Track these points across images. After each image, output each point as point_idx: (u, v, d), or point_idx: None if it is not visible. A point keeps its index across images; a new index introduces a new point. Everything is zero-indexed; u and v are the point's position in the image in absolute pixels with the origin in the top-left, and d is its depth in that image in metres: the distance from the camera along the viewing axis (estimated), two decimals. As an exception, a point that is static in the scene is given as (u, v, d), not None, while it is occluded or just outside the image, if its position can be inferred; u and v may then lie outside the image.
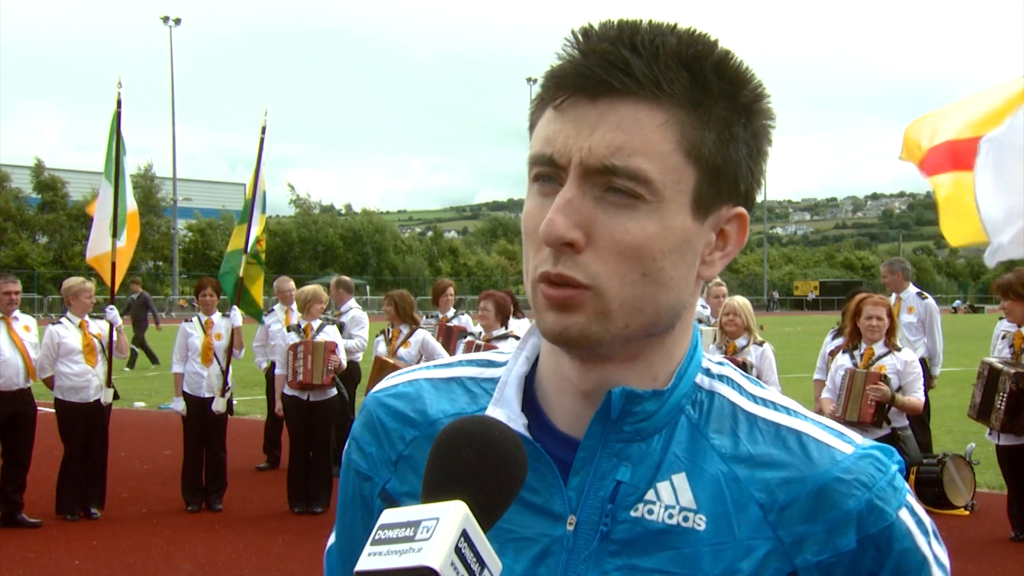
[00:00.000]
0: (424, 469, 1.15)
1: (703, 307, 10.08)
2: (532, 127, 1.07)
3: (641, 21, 1.04)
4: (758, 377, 7.14)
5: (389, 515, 0.90)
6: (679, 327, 1.10)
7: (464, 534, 0.86)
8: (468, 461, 0.93)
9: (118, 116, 9.24)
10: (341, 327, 9.70)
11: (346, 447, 1.25)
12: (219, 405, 8.94)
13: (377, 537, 0.88)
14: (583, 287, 1.02)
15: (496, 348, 7.72)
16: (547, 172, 1.04)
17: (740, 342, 7.59)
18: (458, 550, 0.85)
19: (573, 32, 1.04)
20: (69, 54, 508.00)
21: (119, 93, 9.24)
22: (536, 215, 1.04)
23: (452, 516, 0.87)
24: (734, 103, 1.04)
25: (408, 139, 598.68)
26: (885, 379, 6.92)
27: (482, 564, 0.87)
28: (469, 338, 8.43)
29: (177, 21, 56.78)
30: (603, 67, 1.00)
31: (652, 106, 1.00)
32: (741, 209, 1.08)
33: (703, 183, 1.03)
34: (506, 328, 8.27)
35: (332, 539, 1.29)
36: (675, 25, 1.05)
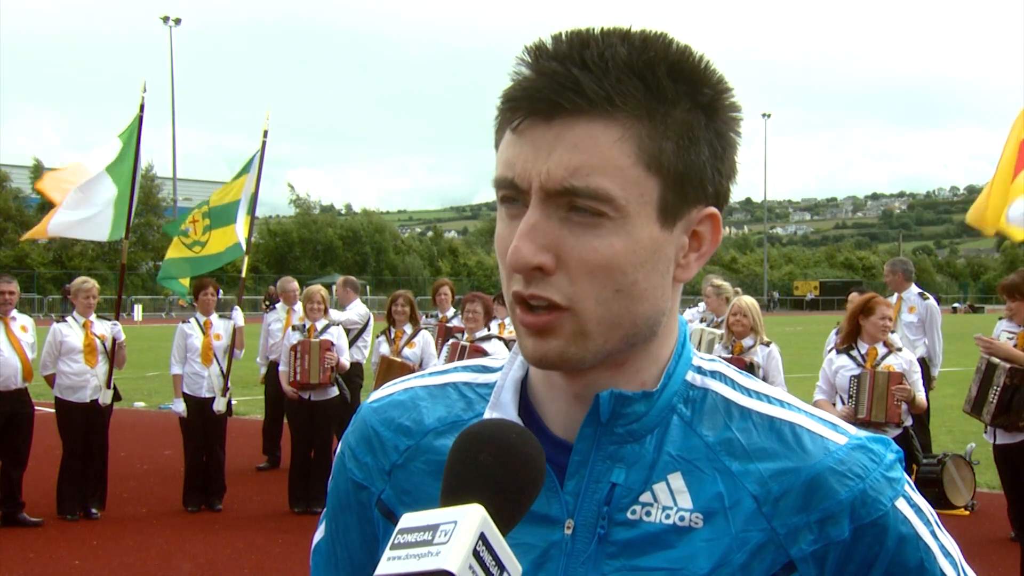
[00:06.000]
0: (418, 478, 1.15)
1: (701, 311, 10.11)
2: (497, 145, 1.06)
3: (592, 31, 1.02)
4: (764, 378, 7.16)
5: (408, 519, 0.90)
6: (662, 332, 1.09)
7: (482, 537, 0.86)
8: (486, 465, 0.93)
9: (140, 120, 9.10)
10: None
11: (339, 454, 1.24)
12: (220, 405, 8.94)
13: (396, 541, 0.88)
14: (559, 309, 1.01)
15: (483, 349, 7.83)
16: (511, 195, 1.03)
17: (747, 342, 7.60)
18: (476, 553, 0.85)
19: (525, 49, 1.03)
20: (69, 54, 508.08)
21: (143, 97, 9.06)
22: (506, 237, 1.04)
23: (470, 519, 0.86)
24: (693, 104, 1.02)
25: (408, 139, 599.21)
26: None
27: (501, 567, 0.87)
28: (453, 340, 8.43)
29: (177, 21, 56.78)
30: (554, 88, 0.99)
31: (607, 122, 0.99)
32: (712, 209, 1.07)
33: (667, 192, 1.02)
34: (488, 329, 8.40)
35: (320, 535, 1.28)
36: (627, 30, 1.03)
